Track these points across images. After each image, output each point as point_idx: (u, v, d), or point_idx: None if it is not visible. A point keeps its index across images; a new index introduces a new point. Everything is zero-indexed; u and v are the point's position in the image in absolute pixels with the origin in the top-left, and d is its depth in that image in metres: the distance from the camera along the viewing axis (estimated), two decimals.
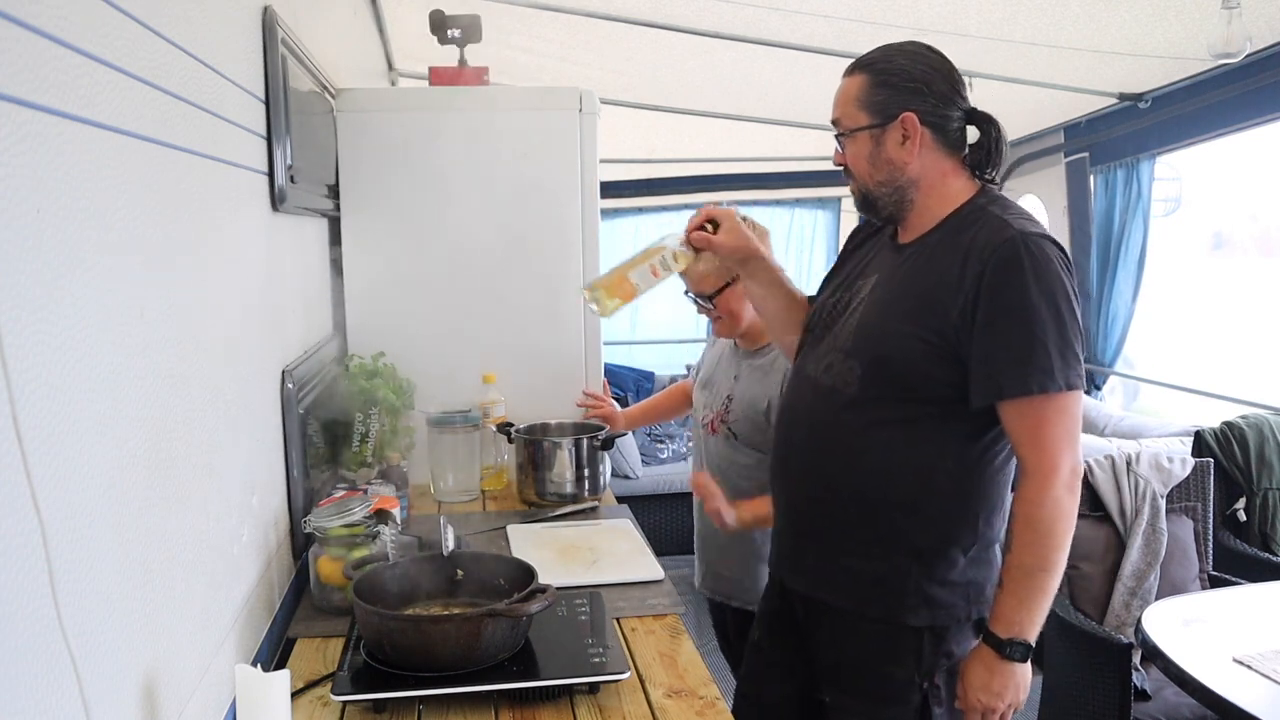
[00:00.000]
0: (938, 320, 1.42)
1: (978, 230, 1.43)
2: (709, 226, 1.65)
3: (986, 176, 1.52)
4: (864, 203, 1.57)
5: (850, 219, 5.68)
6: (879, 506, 1.49)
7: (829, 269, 1.76)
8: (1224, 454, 3.04)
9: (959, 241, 1.44)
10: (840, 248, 1.84)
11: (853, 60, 1.53)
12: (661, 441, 4.98)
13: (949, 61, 1.51)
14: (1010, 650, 1.42)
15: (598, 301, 1.73)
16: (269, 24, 1.57)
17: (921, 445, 1.47)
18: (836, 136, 1.55)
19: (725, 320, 2.06)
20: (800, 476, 1.60)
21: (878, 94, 1.48)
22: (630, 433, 4.04)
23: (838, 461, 1.52)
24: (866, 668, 1.53)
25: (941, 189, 1.50)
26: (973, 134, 1.52)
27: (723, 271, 1.99)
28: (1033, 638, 1.42)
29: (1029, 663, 1.43)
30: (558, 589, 1.34)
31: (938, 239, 1.49)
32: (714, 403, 2.10)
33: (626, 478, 4.41)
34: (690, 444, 4.30)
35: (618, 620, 1.52)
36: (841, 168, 1.57)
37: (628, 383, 5.34)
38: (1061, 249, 1.43)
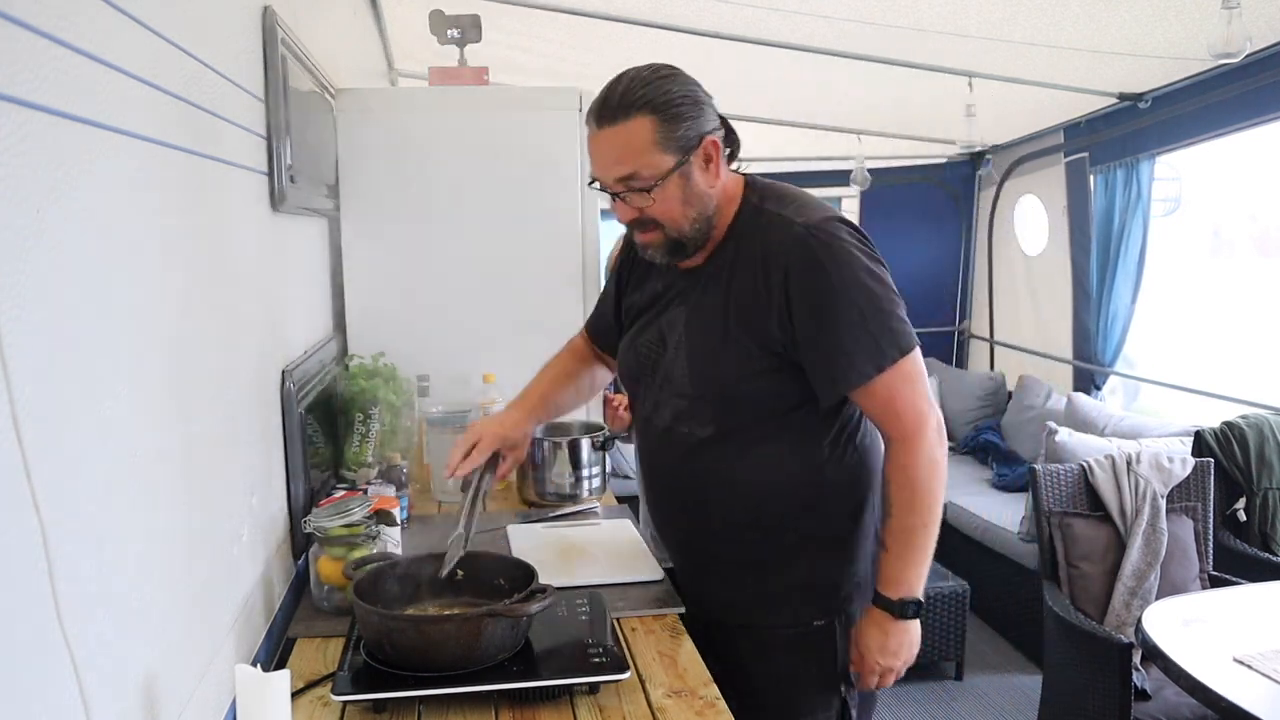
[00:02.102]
0: (761, 338, 1.41)
1: (766, 234, 1.42)
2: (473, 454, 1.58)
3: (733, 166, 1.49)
4: (673, 249, 1.45)
5: (851, 219, 5.64)
6: (774, 524, 1.50)
7: (606, 296, 1.75)
8: (1224, 454, 3.04)
9: (750, 252, 1.42)
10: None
11: (614, 107, 1.34)
12: None
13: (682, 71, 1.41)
14: (904, 609, 1.44)
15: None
16: (269, 24, 1.57)
17: (795, 453, 1.48)
18: (625, 195, 1.39)
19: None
20: (684, 517, 1.59)
21: (675, 129, 1.35)
22: (630, 433, 4.01)
23: (719, 494, 1.51)
24: (794, 682, 1.53)
25: (725, 201, 1.46)
26: None
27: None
28: (921, 593, 1.45)
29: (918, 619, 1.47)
30: (558, 589, 1.34)
31: (731, 254, 1.45)
32: None
33: (626, 478, 4.40)
34: None
35: (618, 620, 1.51)
36: (637, 224, 1.43)
37: None
38: (846, 222, 1.43)
